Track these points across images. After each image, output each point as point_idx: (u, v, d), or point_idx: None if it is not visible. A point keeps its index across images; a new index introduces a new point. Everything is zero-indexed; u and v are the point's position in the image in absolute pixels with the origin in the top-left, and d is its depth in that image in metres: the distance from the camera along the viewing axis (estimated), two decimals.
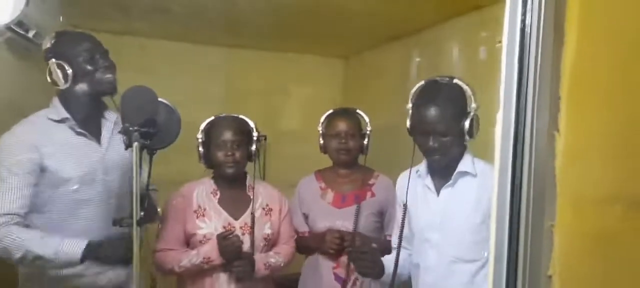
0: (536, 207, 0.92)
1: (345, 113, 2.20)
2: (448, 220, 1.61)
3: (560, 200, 0.91)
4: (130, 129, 1.53)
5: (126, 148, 1.59)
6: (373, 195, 2.11)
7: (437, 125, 1.55)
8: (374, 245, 1.93)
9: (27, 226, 1.65)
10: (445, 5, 2.53)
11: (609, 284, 0.93)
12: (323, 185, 2.19)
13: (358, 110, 2.22)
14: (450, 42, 2.79)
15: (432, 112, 1.56)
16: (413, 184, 1.71)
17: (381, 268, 1.73)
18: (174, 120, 1.70)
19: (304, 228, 2.16)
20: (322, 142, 2.18)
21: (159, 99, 1.63)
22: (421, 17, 2.79)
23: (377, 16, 2.78)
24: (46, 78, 1.73)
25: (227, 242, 1.83)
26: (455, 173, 1.61)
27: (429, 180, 1.68)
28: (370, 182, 2.15)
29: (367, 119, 2.19)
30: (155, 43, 3.35)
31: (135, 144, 1.52)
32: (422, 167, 1.73)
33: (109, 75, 1.72)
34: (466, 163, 1.61)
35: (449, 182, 1.62)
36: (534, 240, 0.92)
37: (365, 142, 2.14)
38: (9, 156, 1.63)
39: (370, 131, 2.17)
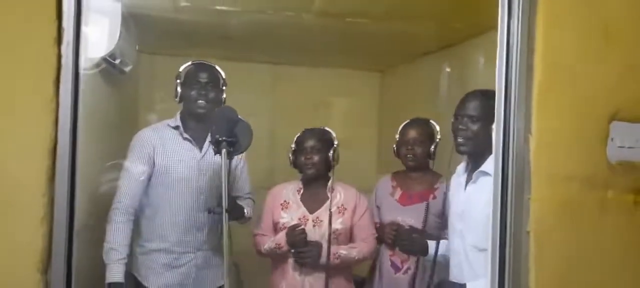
0: (518, 184, 1.48)
1: (416, 123, 2.61)
2: (469, 212, 2.04)
3: (534, 179, 1.47)
4: (220, 138, 2.15)
5: (215, 154, 2.23)
6: (435, 197, 2.46)
7: (470, 109, 2.00)
8: (415, 235, 2.37)
9: (132, 216, 2.31)
10: (471, 24, 3.06)
11: (567, 235, 1.48)
12: (394, 183, 2.63)
13: (431, 121, 2.62)
14: (477, 57, 3.30)
15: (472, 100, 2.03)
16: (454, 181, 2.19)
17: (423, 247, 2.27)
18: (247, 132, 2.30)
19: (376, 219, 2.60)
20: (395, 148, 2.62)
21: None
22: (451, 34, 3.30)
23: (410, 34, 3.33)
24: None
25: (293, 232, 2.36)
26: (476, 171, 2.01)
27: (462, 177, 2.12)
28: (436, 186, 2.51)
29: (438, 128, 2.57)
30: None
31: (224, 151, 2.14)
32: (461, 166, 2.15)
33: (201, 102, 2.35)
34: (488, 164, 1.95)
35: (472, 179, 2.03)
36: (517, 206, 1.48)
37: (432, 149, 2.52)
38: (133, 149, 2.33)
39: (440, 139, 2.52)
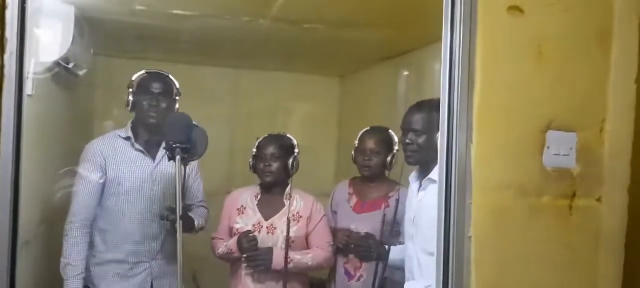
0: (460, 191, 1.55)
1: (375, 131, 2.61)
2: (419, 218, 2.13)
3: (475, 187, 1.54)
4: (173, 145, 2.15)
5: (169, 160, 2.23)
6: (388, 205, 2.48)
7: (414, 124, 2.08)
8: (370, 239, 2.43)
9: (89, 229, 2.30)
10: (426, 31, 3.15)
11: (506, 240, 1.57)
12: (351, 190, 2.65)
13: (389, 130, 2.61)
14: (434, 62, 3.40)
15: (415, 113, 2.11)
16: (409, 189, 2.25)
17: (381, 254, 2.31)
18: (203, 138, 2.31)
19: (331, 224, 2.62)
20: (353, 155, 2.62)
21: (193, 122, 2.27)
22: (408, 41, 3.40)
23: (368, 40, 3.40)
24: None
25: (244, 238, 2.37)
26: (425, 179, 2.13)
27: (415, 185, 2.20)
28: (390, 194, 2.51)
29: (396, 139, 2.55)
30: (168, 66, 3.95)
31: (178, 157, 2.15)
32: (413, 174, 2.24)
33: (152, 112, 2.32)
34: (435, 172, 2.01)
35: (422, 186, 2.14)
36: (460, 212, 1.55)
37: (389, 158, 2.53)
38: (85, 162, 2.30)
39: (397, 150, 2.52)
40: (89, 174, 2.30)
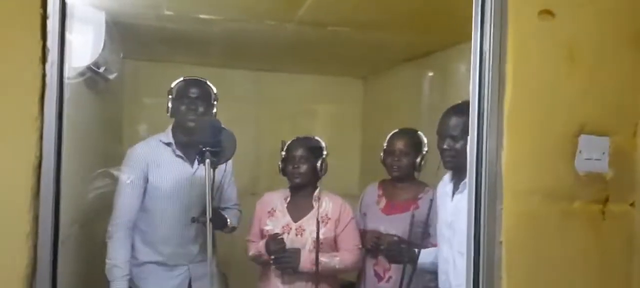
0: (491, 196, 1.54)
1: (403, 133, 2.62)
2: (457, 220, 2.08)
3: (506, 192, 1.53)
4: (203, 149, 2.18)
5: (198, 164, 2.28)
6: (417, 207, 2.48)
7: (452, 130, 2.03)
8: (401, 244, 2.38)
9: (131, 231, 2.37)
10: (451, 33, 3.13)
11: (537, 245, 1.55)
12: (380, 192, 2.66)
13: (418, 132, 2.62)
14: (458, 64, 3.38)
15: (452, 119, 2.06)
16: (440, 190, 2.24)
17: (411, 257, 2.29)
18: (231, 142, 2.34)
19: (360, 226, 2.61)
20: (382, 156, 2.63)
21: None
22: (432, 42, 3.39)
23: (392, 41, 3.39)
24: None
25: (272, 240, 2.39)
26: (462, 182, 2.07)
27: (449, 187, 2.17)
28: (419, 196, 2.54)
29: (425, 140, 2.58)
30: (195, 69, 4.00)
31: (207, 161, 2.18)
32: (447, 176, 2.21)
33: (191, 117, 2.37)
34: None
35: (459, 189, 2.10)
36: (490, 218, 1.54)
37: (418, 160, 2.54)
38: (128, 166, 2.38)
39: (427, 151, 2.55)
40: (132, 178, 2.37)
